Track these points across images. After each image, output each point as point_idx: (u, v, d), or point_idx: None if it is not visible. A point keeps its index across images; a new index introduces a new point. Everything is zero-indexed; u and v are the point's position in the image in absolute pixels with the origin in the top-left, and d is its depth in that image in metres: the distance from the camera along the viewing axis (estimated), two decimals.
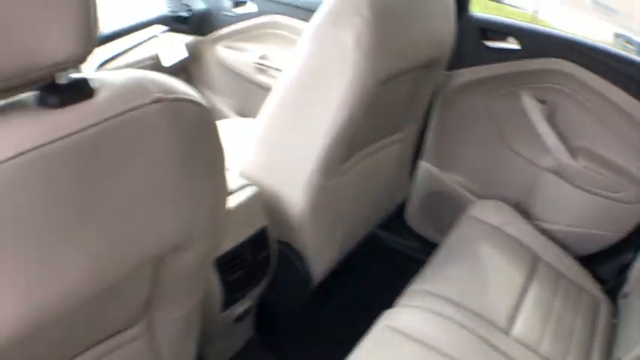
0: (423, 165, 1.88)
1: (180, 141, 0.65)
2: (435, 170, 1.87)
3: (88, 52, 0.56)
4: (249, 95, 2.13)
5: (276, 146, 1.32)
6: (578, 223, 1.66)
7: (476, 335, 1.20)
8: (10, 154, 0.50)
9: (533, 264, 1.48)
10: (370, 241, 1.73)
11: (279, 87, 1.25)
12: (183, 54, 2.12)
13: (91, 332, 0.75)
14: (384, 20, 1.15)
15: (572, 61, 1.57)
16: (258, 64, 2.08)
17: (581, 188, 1.62)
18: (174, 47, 2.10)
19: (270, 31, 2.08)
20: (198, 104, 0.67)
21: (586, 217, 1.65)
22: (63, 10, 0.52)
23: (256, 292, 1.29)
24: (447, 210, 1.82)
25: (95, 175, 0.58)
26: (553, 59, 1.60)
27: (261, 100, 1.34)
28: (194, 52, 2.18)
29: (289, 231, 1.32)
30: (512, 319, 1.29)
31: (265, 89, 2.00)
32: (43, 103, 0.56)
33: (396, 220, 1.91)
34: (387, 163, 1.61)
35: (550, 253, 1.55)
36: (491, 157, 1.78)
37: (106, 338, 0.79)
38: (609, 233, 1.63)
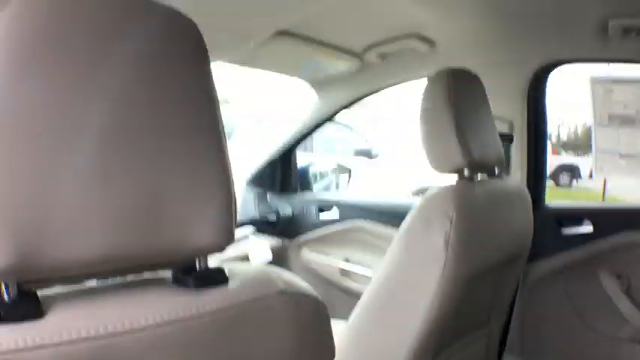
0: (508, 357, 1.85)
1: (299, 330, 0.70)
2: None
3: (228, 242, 0.63)
4: (334, 298, 2.19)
5: (366, 345, 1.35)
6: None
7: None
8: (149, 323, 0.55)
9: None
10: None
11: (371, 287, 1.33)
12: (269, 256, 2.26)
13: None
14: (470, 221, 1.25)
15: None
16: (343, 268, 2.18)
17: None
18: (261, 248, 2.26)
19: (354, 235, 2.21)
20: (316, 299, 0.74)
21: None
22: (210, 204, 0.61)
23: None
24: None
25: (219, 356, 0.62)
26: (625, 233, 1.68)
27: (345, 304, 1.40)
28: (280, 255, 2.33)
29: None
30: None
31: (350, 293, 2.08)
32: (179, 282, 0.63)
33: None
34: (476, 357, 1.59)
35: None
36: (574, 338, 1.79)
37: None
38: None
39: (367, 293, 1.34)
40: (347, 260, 2.19)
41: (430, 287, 1.22)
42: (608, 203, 1.83)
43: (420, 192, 6.28)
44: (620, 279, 1.69)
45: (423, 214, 1.28)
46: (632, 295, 1.66)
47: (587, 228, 1.79)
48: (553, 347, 1.81)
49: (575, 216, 1.82)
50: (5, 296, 0.50)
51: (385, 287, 1.31)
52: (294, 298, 0.70)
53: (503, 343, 1.84)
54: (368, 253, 2.15)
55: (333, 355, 0.78)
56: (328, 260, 2.24)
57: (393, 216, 2.07)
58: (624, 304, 1.66)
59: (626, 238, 1.68)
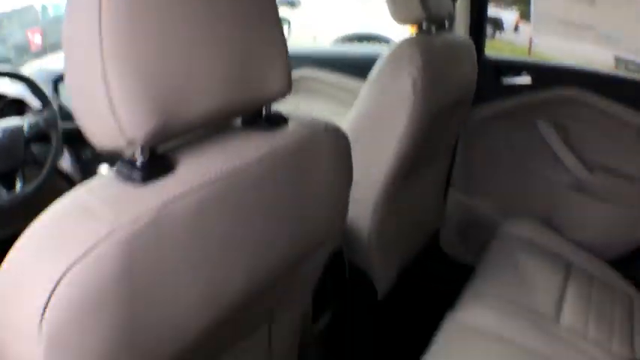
0: (454, 193, 2.13)
1: (337, 158, 0.89)
2: (465, 197, 2.13)
3: (289, 90, 0.79)
4: None
5: None
6: (603, 232, 1.92)
7: (532, 324, 1.42)
8: (243, 164, 0.71)
9: (567, 268, 1.73)
10: (409, 267, 1.95)
11: (346, 126, 1.50)
12: None
13: (231, 336, 0.93)
14: (431, 68, 1.46)
15: (579, 87, 1.88)
16: None
17: (602, 200, 1.88)
18: None
19: (304, 84, 2.34)
20: (345, 134, 0.92)
21: (609, 225, 1.90)
22: (276, 63, 0.75)
23: (333, 307, 1.50)
24: (478, 233, 2.07)
25: (281, 185, 0.79)
26: (562, 88, 1.90)
27: None
28: None
29: (358, 253, 1.56)
30: (558, 311, 1.54)
31: None
32: (249, 125, 0.79)
33: (431, 247, 2.15)
34: (427, 191, 1.87)
35: (581, 258, 1.80)
36: (515, 180, 2.06)
37: (238, 341, 0.98)
38: (633, 237, 1.87)
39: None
40: (294, 109, 2.33)
41: (402, 122, 1.45)
42: (547, 61, 2.04)
43: (349, 39, 6.40)
44: (557, 128, 1.95)
45: (392, 62, 1.47)
46: (571, 145, 1.93)
47: (525, 79, 2.01)
48: (495, 186, 2.10)
49: (514, 68, 2.04)
50: (139, 160, 0.62)
51: (362, 125, 1.51)
52: (334, 133, 0.89)
53: (448, 179, 2.10)
54: (314, 100, 2.30)
55: (352, 180, 0.96)
56: (280, 109, 2.38)
57: (337, 62, 2.23)
58: (563, 153, 1.92)
59: (563, 93, 1.90)
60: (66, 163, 1.65)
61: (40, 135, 1.50)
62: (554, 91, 1.92)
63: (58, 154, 1.52)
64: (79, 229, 0.58)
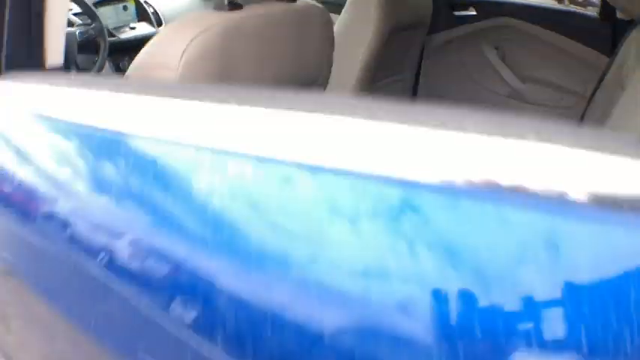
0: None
1: (325, 27, 1.40)
2: None
3: None
4: None
5: None
6: None
7: None
8: (267, 13, 1.20)
9: None
10: None
11: None
12: None
13: None
14: None
15: (514, 17, 2.37)
16: None
17: (533, 103, 2.35)
18: None
19: None
20: (328, 13, 1.42)
21: None
22: None
23: None
24: None
25: (293, 32, 1.28)
26: (501, 18, 2.39)
27: None
28: None
29: None
30: None
31: None
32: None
33: None
34: (395, 96, 2.32)
35: None
36: (465, 91, 2.55)
37: None
38: None
39: None
40: None
41: (369, 32, 1.96)
42: None
43: None
44: (497, 50, 2.43)
45: None
46: (508, 62, 2.42)
47: (472, 12, 2.49)
48: (449, 96, 2.58)
49: (464, 3, 2.52)
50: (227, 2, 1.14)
51: (340, 38, 1.95)
52: (322, 10, 1.40)
53: (414, 92, 2.58)
54: None
55: (334, 44, 1.46)
56: None
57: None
58: (501, 68, 2.40)
59: (503, 22, 2.38)
60: (107, 71, 2.06)
61: (89, 42, 1.91)
62: (494, 20, 2.40)
63: (105, 57, 1.93)
64: (201, 20, 1.09)
